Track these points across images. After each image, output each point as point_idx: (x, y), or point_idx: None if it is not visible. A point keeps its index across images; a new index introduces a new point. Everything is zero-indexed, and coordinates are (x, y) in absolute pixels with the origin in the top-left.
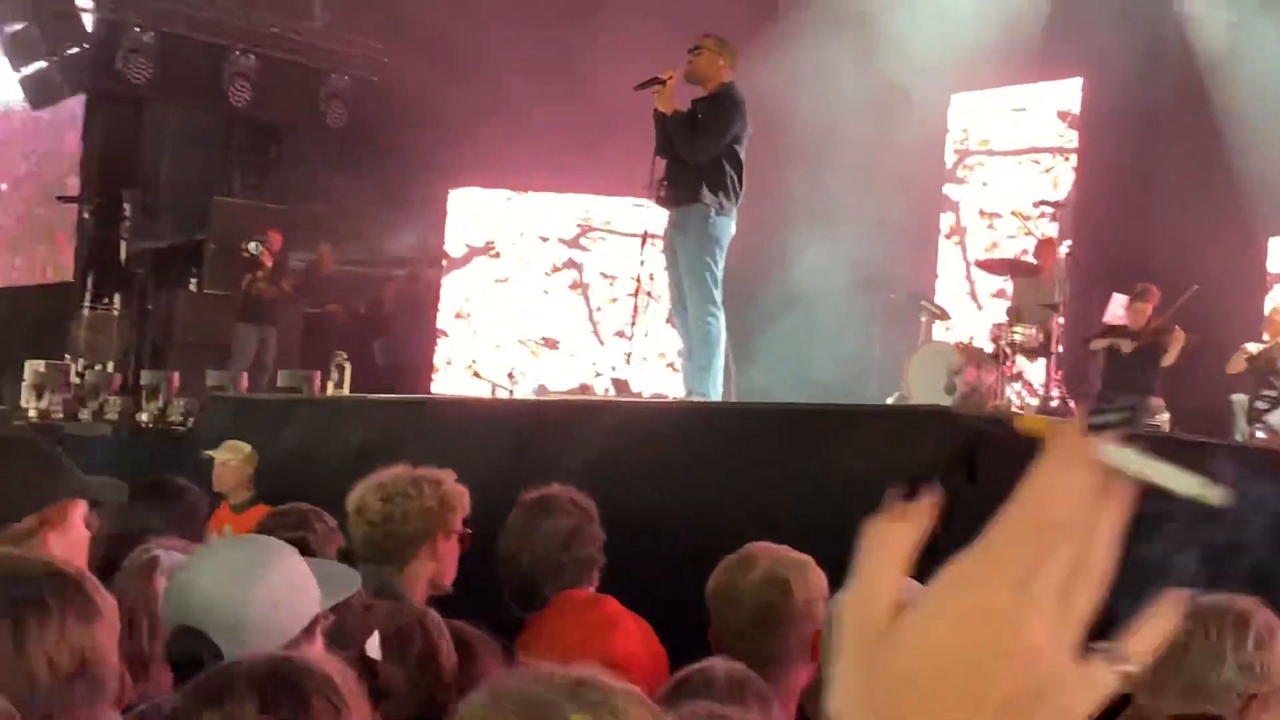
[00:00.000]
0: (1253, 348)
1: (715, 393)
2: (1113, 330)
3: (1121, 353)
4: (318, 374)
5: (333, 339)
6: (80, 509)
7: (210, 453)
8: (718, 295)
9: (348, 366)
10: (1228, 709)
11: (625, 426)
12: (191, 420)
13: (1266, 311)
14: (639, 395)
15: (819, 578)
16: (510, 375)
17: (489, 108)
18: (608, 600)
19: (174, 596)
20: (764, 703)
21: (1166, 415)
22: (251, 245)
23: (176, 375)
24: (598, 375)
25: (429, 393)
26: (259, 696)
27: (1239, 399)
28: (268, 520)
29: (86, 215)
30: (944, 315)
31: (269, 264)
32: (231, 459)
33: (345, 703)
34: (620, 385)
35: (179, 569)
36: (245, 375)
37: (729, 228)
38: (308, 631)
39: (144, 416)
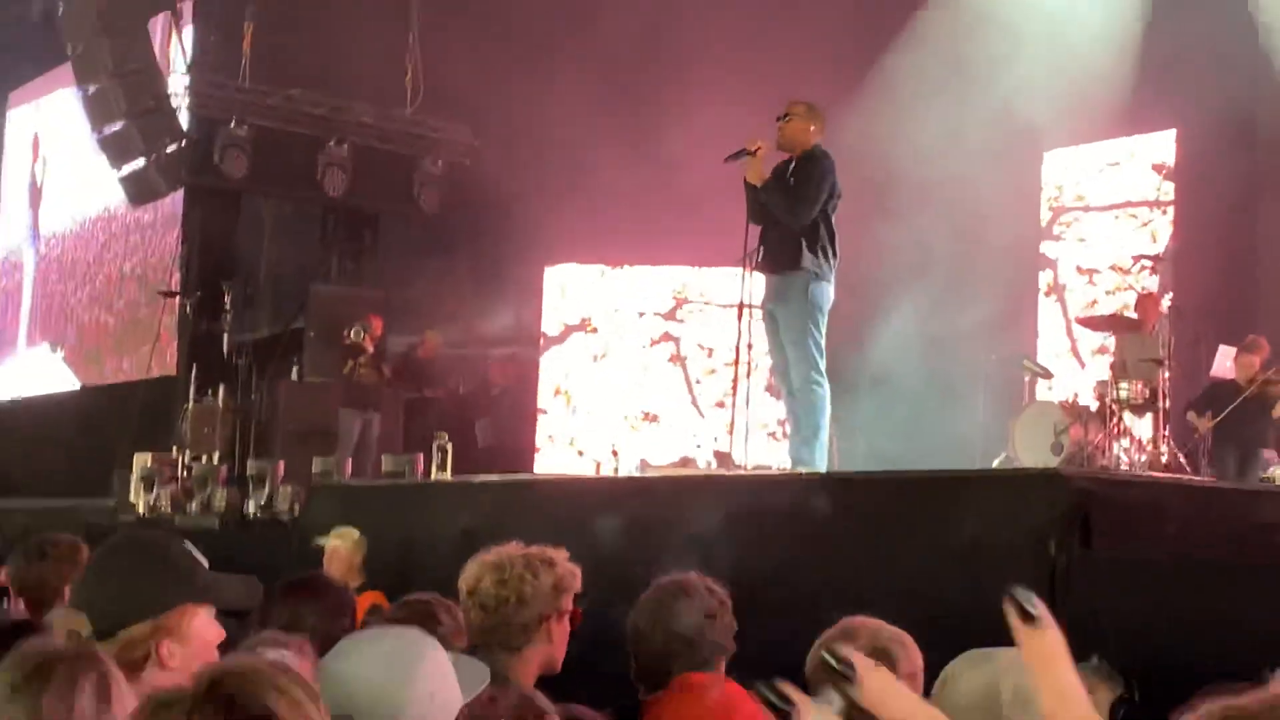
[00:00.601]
0: None
1: (821, 463)
2: (1212, 392)
3: (1199, 432)
4: (420, 457)
5: (434, 421)
6: (201, 615)
7: (320, 540)
8: (821, 363)
9: (449, 449)
10: None
11: (730, 501)
12: (298, 508)
13: None
14: (741, 467)
15: (917, 653)
16: (613, 451)
17: (578, 185)
18: (727, 683)
19: (329, 688)
20: None
21: (1278, 468)
22: (353, 331)
23: (282, 464)
24: (699, 448)
25: (531, 472)
26: None
27: None
28: (397, 611)
29: (188, 310)
30: (1047, 374)
31: (370, 349)
32: (341, 545)
33: None
34: (722, 458)
35: (331, 659)
36: (350, 461)
37: (829, 293)
38: None
39: (251, 506)
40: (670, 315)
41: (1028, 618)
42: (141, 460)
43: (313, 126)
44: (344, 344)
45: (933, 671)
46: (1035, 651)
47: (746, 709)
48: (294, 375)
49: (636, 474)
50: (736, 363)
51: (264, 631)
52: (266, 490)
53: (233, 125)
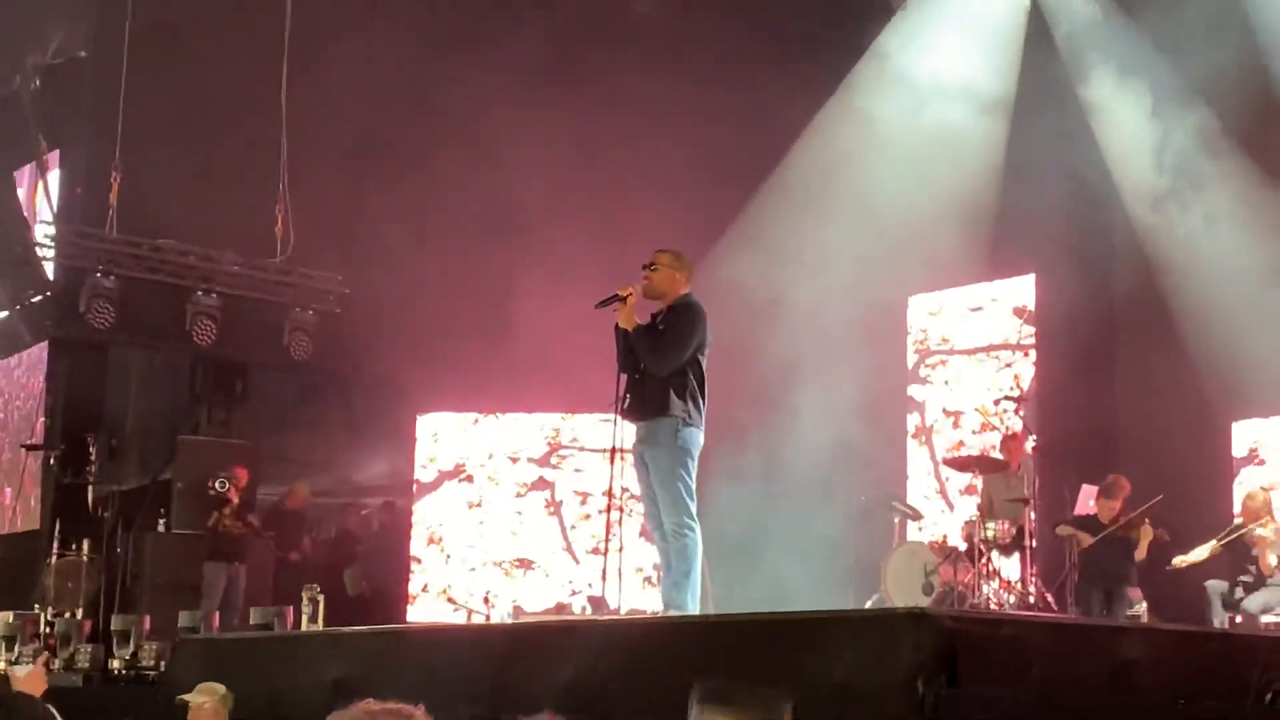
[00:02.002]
0: (1197, 553)
1: (693, 605)
2: (1081, 520)
3: (1081, 546)
4: (290, 609)
5: (305, 572)
6: None
7: (184, 697)
8: (692, 507)
9: (321, 600)
10: None
11: (603, 646)
12: (164, 664)
13: (1236, 494)
14: (616, 612)
15: None
16: (486, 599)
17: (451, 332)
18: None
19: None
20: None
21: (1143, 605)
22: (218, 482)
23: (148, 619)
24: (574, 594)
25: (405, 622)
26: None
27: (1214, 585)
28: None
29: (52, 461)
30: (916, 515)
31: (235, 500)
32: (207, 702)
33: None
34: (597, 603)
35: None
36: (216, 615)
37: (698, 438)
38: None
39: (115, 663)
40: (544, 461)
41: None
42: (3, 618)
43: (181, 276)
44: (208, 495)
45: None
46: None
47: None
48: (161, 527)
49: (509, 621)
50: (609, 508)
51: None
52: (131, 646)
53: (99, 275)
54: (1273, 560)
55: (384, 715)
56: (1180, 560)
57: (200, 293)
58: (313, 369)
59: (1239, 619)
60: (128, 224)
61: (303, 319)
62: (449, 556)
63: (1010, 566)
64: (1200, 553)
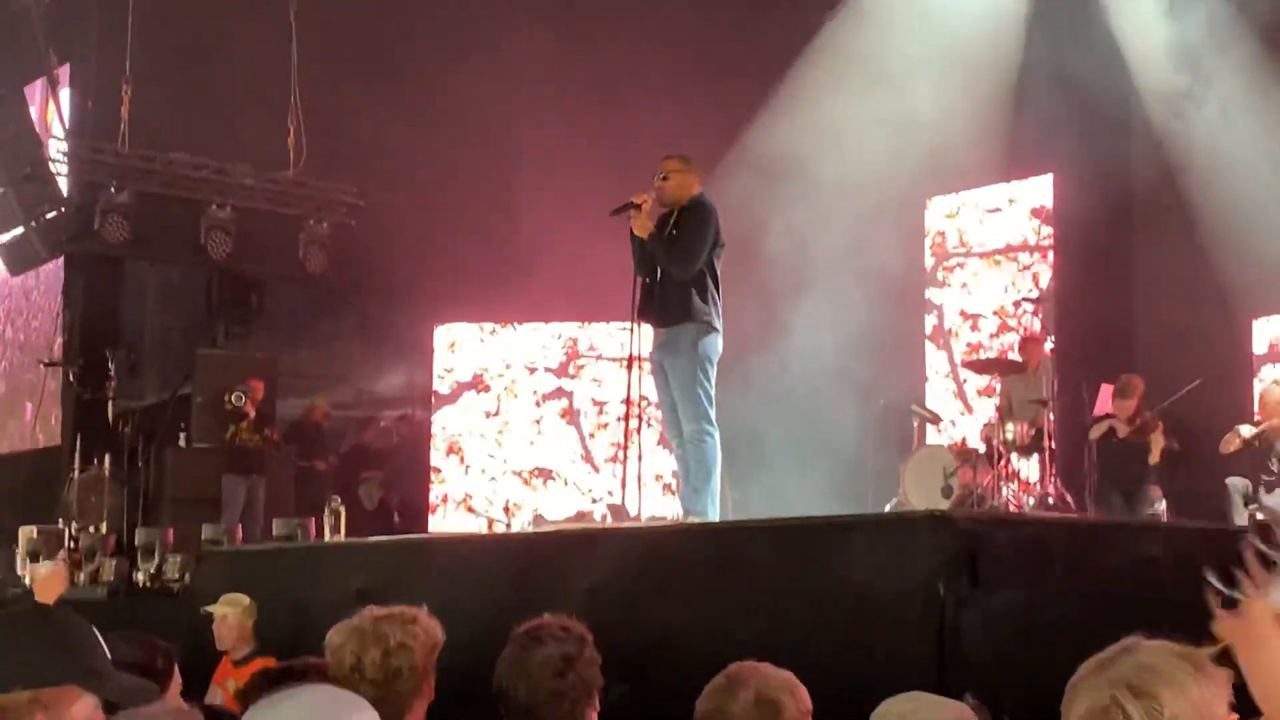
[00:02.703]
0: (1245, 430)
1: (713, 513)
2: (1100, 420)
3: (1118, 436)
4: (312, 521)
5: (326, 485)
6: (84, 701)
7: (209, 608)
8: (712, 413)
9: (343, 511)
10: None
11: (623, 553)
12: (188, 577)
13: (1256, 393)
14: (636, 520)
15: (805, 697)
16: (506, 508)
17: (467, 242)
18: None
19: None
20: None
21: (1163, 504)
22: (234, 396)
23: (170, 532)
24: (594, 502)
25: (426, 532)
26: None
27: (1235, 482)
28: (274, 672)
29: (71, 378)
30: (936, 419)
31: (252, 414)
32: (230, 613)
33: None
34: (616, 511)
35: (255, 713)
36: (239, 527)
37: (718, 343)
38: None
39: (140, 576)
40: (561, 371)
41: (1228, 603)
42: (27, 533)
43: (195, 190)
44: (226, 409)
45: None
46: (1239, 633)
47: None
48: (181, 442)
49: (530, 530)
50: (628, 416)
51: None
52: (155, 559)
53: (113, 190)
54: None
55: (387, 619)
56: (1228, 441)
57: (214, 206)
58: (328, 282)
59: (1260, 515)
60: (140, 138)
61: (317, 231)
62: (468, 467)
63: (1030, 468)
64: (1246, 431)
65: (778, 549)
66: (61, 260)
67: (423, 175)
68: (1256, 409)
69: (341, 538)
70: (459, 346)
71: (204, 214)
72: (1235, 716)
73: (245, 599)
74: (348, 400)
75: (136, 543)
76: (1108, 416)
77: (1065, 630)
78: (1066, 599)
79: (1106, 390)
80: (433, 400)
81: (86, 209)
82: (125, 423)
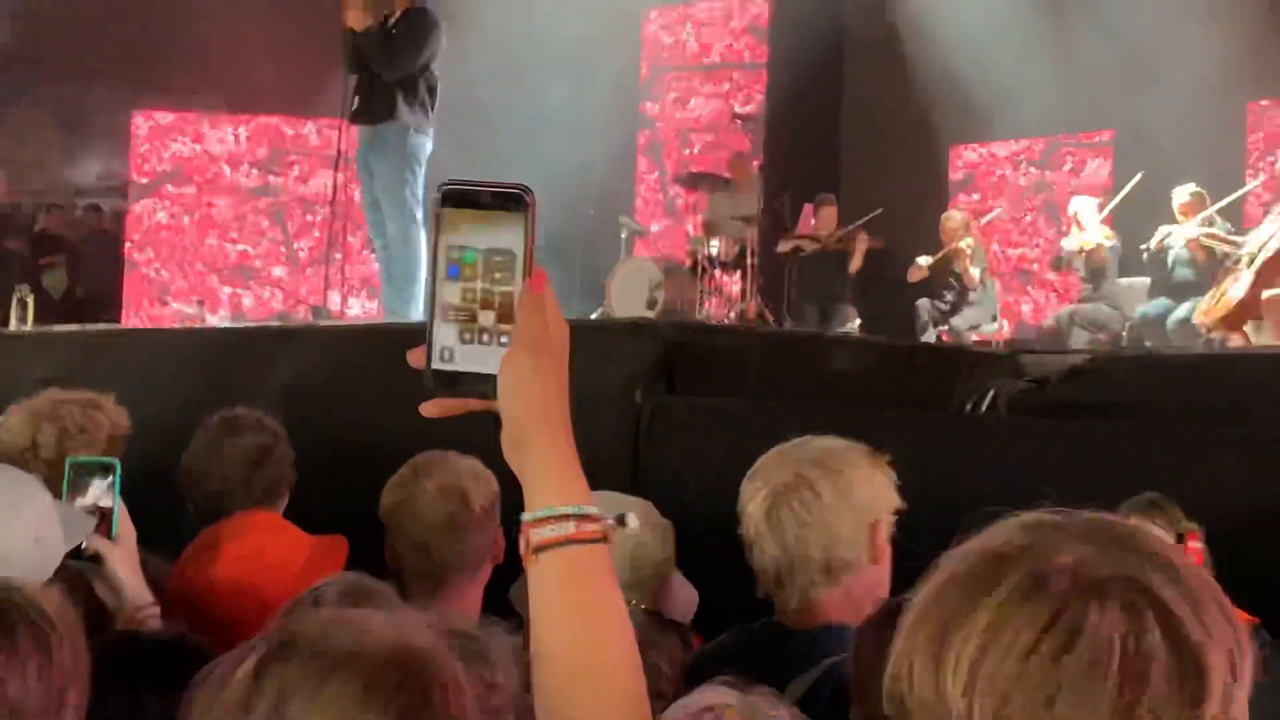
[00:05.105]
0: (924, 260)
1: (418, 315)
2: (799, 237)
3: (804, 252)
4: None
5: (13, 274)
6: None
7: None
8: (420, 214)
9: (30, 300)
10: (860, 558)
11: (322, 350)
12: None
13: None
14: (338, 318)
15: (492, 482)
16: (203, 304)
17: (173, 26)
18: (283, 525)
19: None
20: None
21: (858, 322)
22: None
23: None
24: (298, 304)
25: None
26: None
27: (924, 303)
28: None
29: None
30: (643, 231)
31: None
32: None
33: (58, 633)
34: (318, 312)
35: None
36: None
37: (426, 145)
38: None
39: None
40: (266, 166)
41: None
42: None
43: None
44: None
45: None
46: None
47: (290, 540)
48: None
49: (226, 325)
50: (332, 216)
51: None
52: None
53: None
54: (975, 272)
55: (68, 402)
56: (914, 271)
57: None
58: (22, 59)
59: (946, 335)
60: None
61: (9, 4)
62: (166, 261)
63: (733, 283)
64: (924, 261)
65: None
66: None
67: None
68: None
69: (29, 328)
70: (160, 136)
71: None
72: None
73: None
74: (40, 187)
75: None
76: (803, 235)
77: (756, 439)
78: (759, 406)
79: (809, 211)
80: (129, 190)
81: None
82: None
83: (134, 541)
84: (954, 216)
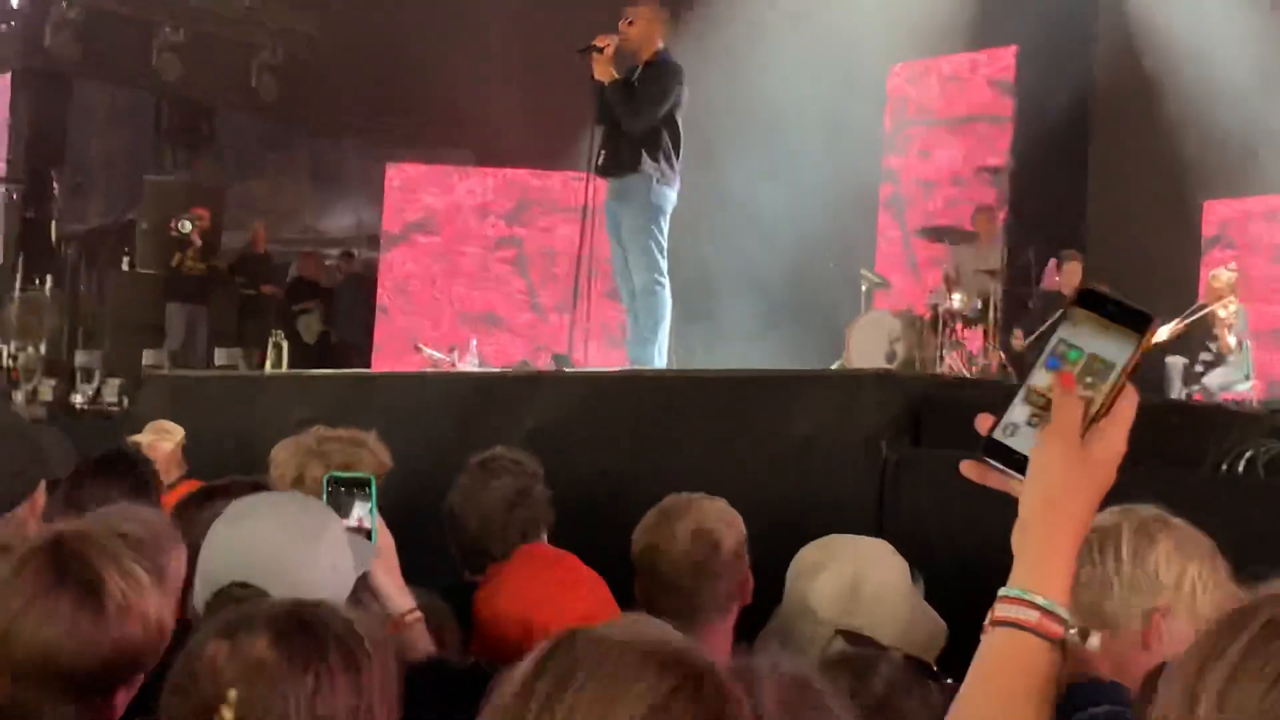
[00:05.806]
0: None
1: (660, 363)
2: (1044, 294)
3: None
4: (255, 352)
5: (269, 319)
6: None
7: (135, 438)
8: (663, 265)
9: (285, 345)
10: (1133, 629)
11: (567, 397)
12: (127, 401)
13: (1203, 275)
14: (581, 366)
15: (741, 525)
16: (451, 350)
17: (425, 83)
18: (569, 557)
19: (222, 551)
20: None
21: None
22: (181, 223)
23: (104, 355)
24: (539, 349)
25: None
26: (273, 632)
27: (1174, 361)
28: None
29: (15, 195)
30: (884, 284)
31: (198, 242)
32: (154, 440)
33: (367, 654)
34: (562, 359)
35: (226, 523)
36: (179, 355)
37: (671, 196)
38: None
39: (78, 398)
40: (513, 217)
41: None
42: None
43: (147, 11)
44: (170, 236)
45: (767, 563)
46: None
47: (584, 580)
48: (124, 266)
49: (475, 371)
50: (578, 266)
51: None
52: (95, 382)
53: (63, 5)
54: (1231, 340)
55: (334, 439)
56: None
57: (167, 28)
58: (281, 113)
59: (1197, 395)
60: None
61: (271, 61)
62: (415, 309)
63: (974, 337)
64: (1163, 332)
65: (724, 400)
66: (8, 76)
67: (383, 7)
68: (1202, 292)
69: (284, 370)
70: (410, 187)
71: (156, 36)
72: None
73: (170, 425)
74: (294, 236)
75: (76, 364)
76: (1048, 292)
77: (1001, 494)
78: None
79: (1054, 265)
80: (381, 239)
81: (36, 24)
82: (68, 244)
83: (394, 551)
84: (1220, 276)
